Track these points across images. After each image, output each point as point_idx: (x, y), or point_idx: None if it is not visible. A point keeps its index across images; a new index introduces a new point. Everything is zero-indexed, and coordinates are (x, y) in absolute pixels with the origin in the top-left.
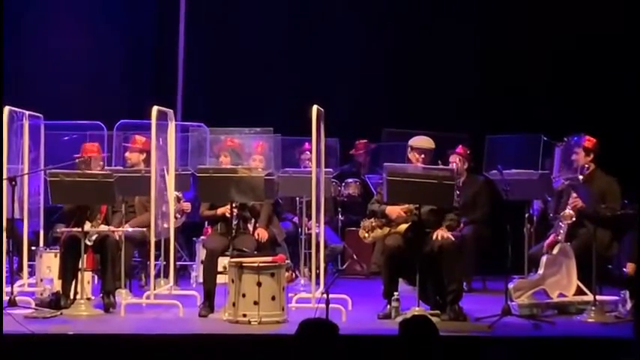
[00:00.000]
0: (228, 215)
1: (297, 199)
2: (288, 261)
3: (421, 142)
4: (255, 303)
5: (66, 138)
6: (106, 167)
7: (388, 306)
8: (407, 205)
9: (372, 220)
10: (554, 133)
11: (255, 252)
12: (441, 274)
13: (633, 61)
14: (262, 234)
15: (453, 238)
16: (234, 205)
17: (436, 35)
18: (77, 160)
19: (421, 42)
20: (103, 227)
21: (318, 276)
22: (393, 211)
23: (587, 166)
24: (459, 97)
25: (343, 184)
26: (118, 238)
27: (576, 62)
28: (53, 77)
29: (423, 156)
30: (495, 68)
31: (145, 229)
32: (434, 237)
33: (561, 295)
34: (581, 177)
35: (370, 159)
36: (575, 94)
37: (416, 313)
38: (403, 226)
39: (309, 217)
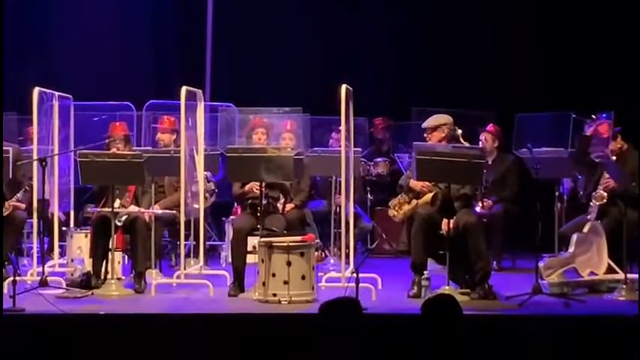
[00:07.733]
0: (256, 190)
1: (333, 180)
2: (318, 240)
3: (427, 122)
4: (285, 282)
5: (95, 119)
6: (134, 147)
7: (415, 279)
8: None
9: (399, 197)
10: (585, 109)
11: (285, 231)
12: (469, 252)
13: None
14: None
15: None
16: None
17: (465, 13)
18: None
19: (450, 19)
20: (133, 208)
21: (347, 255)
22: (417, 182)
23: (619, 145)
24: (489, 75)
25: (372, 163)
26: (147, 218)
27: (606, 36)
28: (81, 58)
29: (434, 133)
30: (526, 44)
31: (174, 209)
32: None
33: (592, 273)
34: (614, 158)
35: (392, 136)
36: (605, 68)
37: (440, 292)
38: (428, 196)
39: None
